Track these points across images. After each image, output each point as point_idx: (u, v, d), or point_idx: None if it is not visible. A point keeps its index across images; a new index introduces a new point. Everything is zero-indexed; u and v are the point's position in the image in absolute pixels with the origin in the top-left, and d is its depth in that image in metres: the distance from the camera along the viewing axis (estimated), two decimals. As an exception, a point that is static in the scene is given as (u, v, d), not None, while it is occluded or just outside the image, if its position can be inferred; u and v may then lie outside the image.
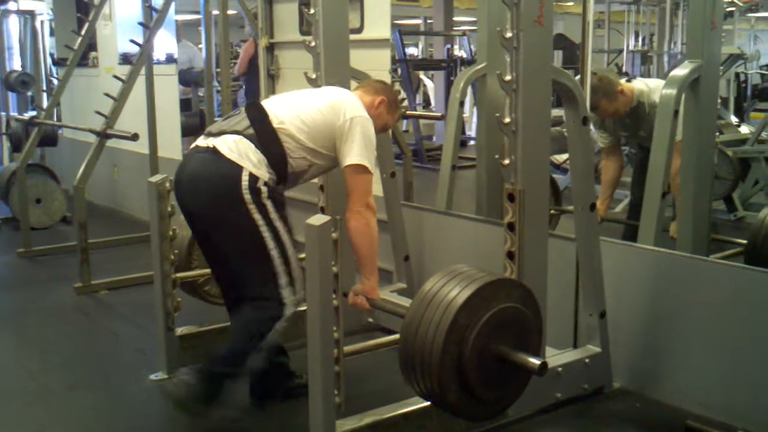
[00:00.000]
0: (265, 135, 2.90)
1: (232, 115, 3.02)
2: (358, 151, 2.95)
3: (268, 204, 2.82)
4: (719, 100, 5.60)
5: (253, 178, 2.81)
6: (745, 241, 3.74)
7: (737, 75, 8.32)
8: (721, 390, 3.07)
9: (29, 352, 4.04)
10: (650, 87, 4.29)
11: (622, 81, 4.36)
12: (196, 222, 3.04)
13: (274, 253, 2.82)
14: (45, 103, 6.76)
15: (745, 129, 6.73)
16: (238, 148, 2.85)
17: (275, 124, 2.93)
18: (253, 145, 2.86)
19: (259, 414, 3.20)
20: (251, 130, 2.90)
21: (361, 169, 2.95)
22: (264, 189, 2.82)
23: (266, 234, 2.81)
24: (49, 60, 9.04)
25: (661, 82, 4.40)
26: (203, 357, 2.98)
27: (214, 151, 2.86)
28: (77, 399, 3.43)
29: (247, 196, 2.79)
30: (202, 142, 2.96)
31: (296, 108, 3.00)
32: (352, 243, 2.96)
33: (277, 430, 3.09)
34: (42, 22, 8.84)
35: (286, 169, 2.94)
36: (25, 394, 3.49)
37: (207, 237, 3.04)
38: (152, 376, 3.53)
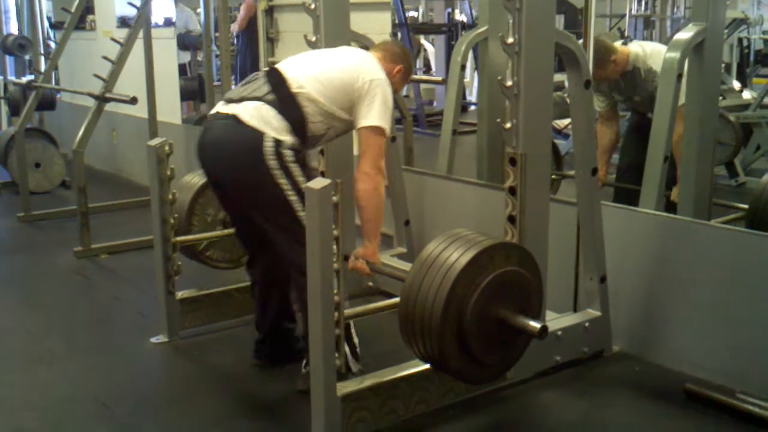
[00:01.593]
0: (285, 100, 2.88)
1: (251, 81, 2.99)
2: (376, 113, 2.94)
3: (293, 167, 2.81)
4: (722, 65, 5.56)
5: (277, 143, 2.79)
6: (746, 206, 3.73)
7: (740, 40, 8.24)
8: (720, 353, 3.08)
9: (30, 315, 4.06)
10: (646, 51, 4.24)
11: (618, 44, 4.31)
12: (221, 187, 3.04)
13: (303, 215, 2.77)
14: (43, 67, 6.70)
15: (747, 94, 6.68)
16: (259, 114, 2.83)
17: (294, 88, 2.91)
18: (274, 111, 2.84)
19: (263, 376, 3.23)
20: (272, 96, 2.88)
21: (377, 131, 2.95)
22: (288, 152, 2.81)
23: (293, 197, 2.79)
24: (46, 23, 8.94)
25: (658, 47, 4.36)
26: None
27: (234, 118, 2.84)
28: (78, 362, 3.44)
29: (272, 162, 2.78)
30: (222, 108, 2.94)
31: (315, 70, 2.98)
32: (359, 205, 2.96)
33: (279, 393, 3.11)
34: (39, -16, 8.73)
35: (306, 134, 2.93)
36: (27, 357, 3.51)
37: (232, 201, 3.05)
38: (153, 339, 3.55)
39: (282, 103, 2.87)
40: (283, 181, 2.79)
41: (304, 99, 2.90)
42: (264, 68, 3.13)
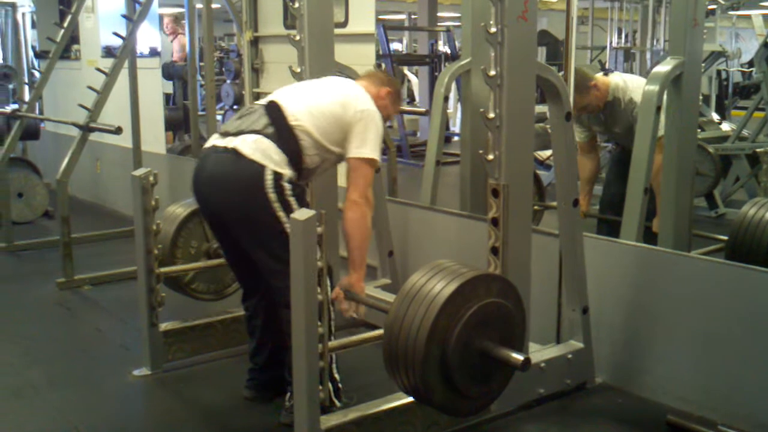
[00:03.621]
0: (283, 133, 2.91)
1: (248, 114, 3.01)
2: (367, 144, 2.98)
3: (292, 201, 2.83)
4: (701, 98, 5.64)
5: (277, 176, 2.82)
6: (726, 238, 3.77)
7: (719, 72, 8.38)
8: (701, 385, 3.10)
9: (11, 347, 4.01)
10: (626, 82, 4.28)
11: (599, 75, 4.36)
12: (217, 220, 3.04)
13: None
14: (27, 96, 6.70)
15: (726, 126, 6.78)
16: (260, 148, 2.85)
17: (291, 121, 2.93)
18: (274, 144, 2.86)
19: (246, 409, 3.21)
20: (271, 129, 2.90)
21: (367, 161, 2.98)
22: (287, 186, 2.83)
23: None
24: (31, 53, 8.97)
25: (640, 80, 4.42)
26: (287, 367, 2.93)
27: (234, 151, 2.86)
28: (60, 394, 3.41)
29: (272, 195, 2.80)
30: (219, 141, 2.95)
31: (308, 103, 3.00)
32: (346, 233, 2.97)
33: (263, 426, 3.09)
34: (23, 14, 8.77)
35: (301, 167, 2.95)
36: (7, 389, 3.46)
37: (228, 234, 3.04)
38: (135, 372, 3.53)
39: (280, 137, 2.89)
40: (281, 214, 2.80)
41: (300, 132, 2.93)
42: (259, 100, 3.11)
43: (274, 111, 2.96)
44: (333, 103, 3.01)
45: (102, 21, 6.99)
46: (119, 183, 6.84)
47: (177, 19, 8.30)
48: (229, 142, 2.90)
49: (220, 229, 3.10)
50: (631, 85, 4.26)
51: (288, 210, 2.80)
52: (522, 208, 2.84)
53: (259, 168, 2.81)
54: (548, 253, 3.33)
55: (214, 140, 2.99)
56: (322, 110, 2.98)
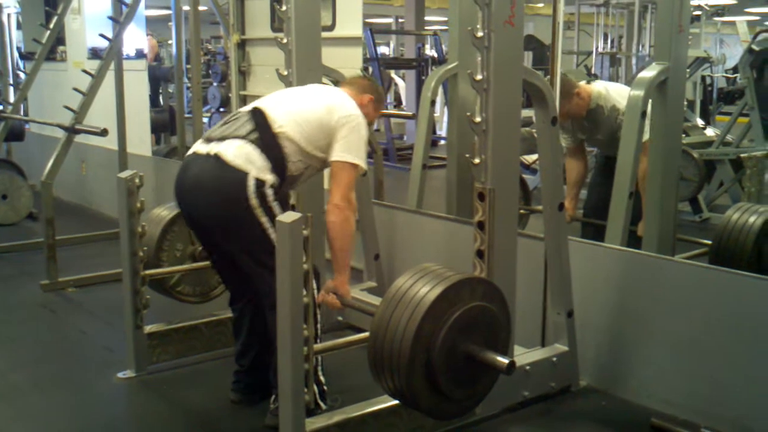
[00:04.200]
0: (267, 140, 2.92)
1: (232, 120, 3.03)
2: (348, 148, 2.99)
3: (275, 206, 2.84)
4: (685, 103, 5.68)
5: (259, 182, 2.82)
6: (709, 242, 3.80)
7: (703, 78, 8.44)
8: (685, 388, 3.12)
9: (-6, 349, 4.00)
10: (609, 90, 4.31)
11: (582, 83, 4.38)
12: (201, 227, 3.05)
13: None
14: (12, 98, 6.67)
15: (710, 131, 6.83)
16: (243, 153, 2.86)
17: (275, 128, 2.95)
18: (257, 150, 2.87)
19: (231, 412, 3.20)
20: (255, 135, 2.91)
21: (350, 165, 2.99)
22: (270, 192, 2.84)
23: (274, 235, 2.78)
24: (16, 54, 8.92)
25: (622, 88, 4.45)
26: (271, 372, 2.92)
27: (216, 157, 2.87)
28: (44, 397, 3.39)
29: (254, 201, 2.81)
30: (202, 147, 2.96)
31: (293, 110, 3.02)
32: (329, 236, 2.98)
33: (248, 429, 3.09)
34: (9, 15, 8.71)
35: (285, 174, 2.95)
36: (-10, 392, 3.45)
37: (213, 240, 3.05)
38: (120, 374, 3.51)
39: (264, 143, 2.90)
40: (264, 220, 2.81)
41: (284, 139, 2.94)
42: (244, 106, 3.13)
43: (258, 118, 2.97)
44: (318, 109, 3.03)
45: (88, 22, 6.97)
46: (104, 185, 6.82)
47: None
48: (212, 148, 2.91)
49: (204, 235, 3.11)
50: (614, 93, 4.29)
51: (271, 216, 2.80)
52: (508, 212, 2.85)
53: (242, 175, 2.82)
54: (534, 256, 3.34)
55: (197, 146, 3.00)
56: (307, 117, 3.00)
